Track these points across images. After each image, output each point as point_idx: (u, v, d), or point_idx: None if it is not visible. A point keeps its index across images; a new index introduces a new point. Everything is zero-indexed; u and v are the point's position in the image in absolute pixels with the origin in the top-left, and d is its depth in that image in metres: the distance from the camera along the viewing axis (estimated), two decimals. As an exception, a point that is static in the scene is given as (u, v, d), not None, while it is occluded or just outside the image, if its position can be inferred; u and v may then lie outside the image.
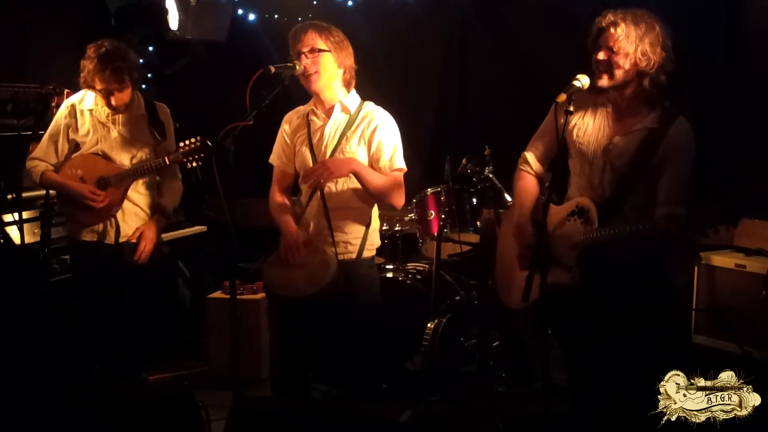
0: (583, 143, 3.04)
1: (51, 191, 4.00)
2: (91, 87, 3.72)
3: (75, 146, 3.83)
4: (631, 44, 2.87)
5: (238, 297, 3.22)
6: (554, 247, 2.98)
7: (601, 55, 2.92)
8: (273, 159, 3.52)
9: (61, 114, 3.83)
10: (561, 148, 2.99)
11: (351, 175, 3.31)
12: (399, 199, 3.39)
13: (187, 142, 3.63)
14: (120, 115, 3.80)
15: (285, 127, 3.49)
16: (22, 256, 4.06)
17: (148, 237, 3.83)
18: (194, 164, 3.65)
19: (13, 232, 4.14)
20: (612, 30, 2.89)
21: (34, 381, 3.80)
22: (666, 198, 2.89)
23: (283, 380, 3.48)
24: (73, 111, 3.81)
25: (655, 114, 2.95)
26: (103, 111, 3.79)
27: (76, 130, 3.80)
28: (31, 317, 3.96)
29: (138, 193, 3.85)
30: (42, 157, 3.82)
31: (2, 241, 4.09)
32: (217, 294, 5.01)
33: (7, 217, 4.16)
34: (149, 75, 5.75)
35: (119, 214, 3.80)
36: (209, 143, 3.53)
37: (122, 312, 3.81)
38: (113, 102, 3.71)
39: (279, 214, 3.42)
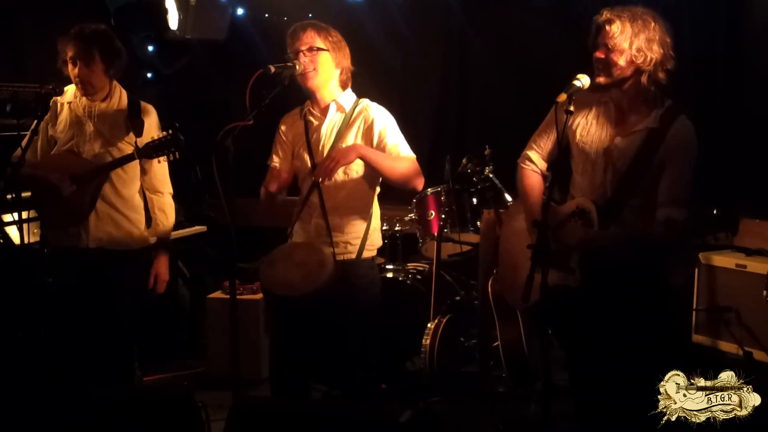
0: (585, 143, 3.03)
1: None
2: (63, 52, 3.63)
3: (55, 143, 3.74)
4: (625, 40, 2.87)
5: (237, 297, 3.22)
6: (556, 249, 2.98)
7: (599, 54, 2.92)
8: (271, 160, 3.52)
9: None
10: (561, 147, 2.99)
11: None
12: (417, 180, 3.34)
13: (157, 135, 3.56)
14: (97, 108, 3.70)
15: (282, 129, 3.50)
16: (22, 256, 4.05)
17: (162, 276, 3.84)
18: (162, 159, 3.55)
19: (12, 232, 4.13)
20: (608, 27, 2.89)
21: (34, 382, 3.79)
22: (666, 199, 2.88)
23: (282, 380, 3.48)
24: (53, 106, 3.74)
25: (657, 113, 2.94)
26: (81, 103, 3.70)
27: (55, 126, 3.73)
28: (31, 317, 3.95)
29: (119, 196, 3.71)
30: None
31: (2, 241, 4.07)
32: (217, 294, 5.01)
33: (7, 217, 4.15)
34: (149, 75, 5.75)
35: (92, 216, 3.66)
36: (181, 137, 3.47)
37: (104, 318, 3.70)
38: (76, 72, 3.60)
39: (265, 192, 3.46)
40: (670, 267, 3.09)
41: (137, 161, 3.69)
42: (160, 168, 3.80)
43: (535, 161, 3.20)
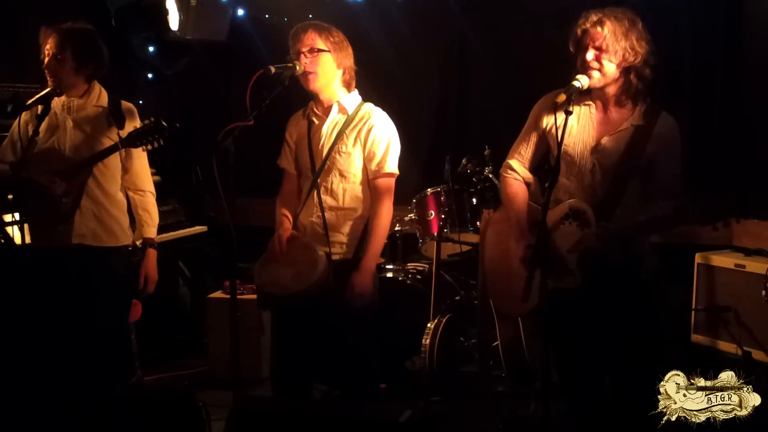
0: (568, 144, 3.03)
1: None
2: (42, 43, 3.62)
3: (35, 143, 3.67)
4: (618, 41, 2.90)
5: (238, 297, 3.22)
6: (552, 253, 2.98)
7: (589, 56, 2.93)
8: (280, 161, 3.55)
9: (22, 112, 3.73)
10: (559, 149, 3.00)
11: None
12: (390, 212, 3.40)
13: (140, 124, 3.54)
14: (75, 105, 3.67)
15: (288, 130, 3.53)
16: (22, 256, 4.05)
17: (151, 276, 3.81)
18: (149, 147, 3.53)
19: (13, 232, 4.13)
20: (599, 29, 2.92)
21: (35, 382, 3.79)
22: (659, 193, 2.93)
23: (283, 380, 3.49)
24: (33, 105, 3.64)
25: (639, 111, 2.99)
26: (60, 101, 3.67)
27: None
28: (32, 317, 3.95)
29: (103, 192, 3.68)
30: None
31: (2, 241, 4.07)
32: (217, 294, 5.02)
33: (8, 217, 4.15)
34: (150, 75, 5.75)
35: (76, 213, 3.61)
36: (164, 123, 3.46)
37: (89, 316, 3.66)
38: (45, 63, 3.60)
39: (277, 220, 3.46)
40: (644, 262, 3.10)
41: (118, 158, 3.69)
42: (142, 166, 3.80)
43: (516, 170, 3.22)
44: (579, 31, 2.97)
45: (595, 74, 2.94)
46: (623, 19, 2.93)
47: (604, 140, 2.99)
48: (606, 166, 2.98)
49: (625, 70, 2.95)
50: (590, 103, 3.04)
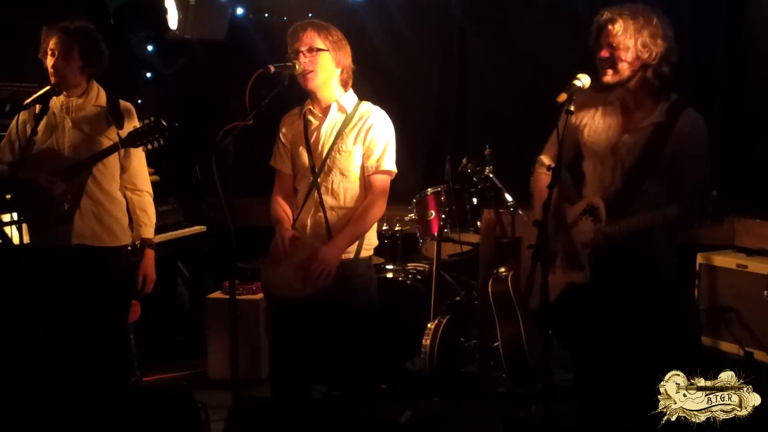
0: (594, 143, 3.05)
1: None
2: (45, 42, 3.61)
3: (33, 142, 3.65)
4: (630, 38, 2.89)
5: (237, 297, 3.22)
6: (569, 247, 3.00)
7: (603, 53, 2.93)
8: (273, 162, 3.52)
9: (20, 111, 3.71)
10: (560, 147, 2.99)
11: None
12: (381, 210, 3.37)
13: (140, 123, 3.53)
14: (74, 104, 3.66)
15: (282, 130, 3.50)
16: (21, 256, 4.04)
17: (149, 276, 3.79)
18: (149, 147, 3.52)
19: (11, 232, 4.12)
20: (610, 26, 2.92)
21: (35, 382, 3.79)
22: (684, 190, 2.87)
23: (283, 381, 3.48)
24: (32, 104, 3.62)
25: (662, 108, 2.96)
26: (58, 100, 3.66)
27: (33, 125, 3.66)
28: (31, 319, 3.94)
29: (102, 192, 3.67)
30: None
31: (1, 241, 4.06)
32: (217, 294, 5.01)
33: (6, 218, 4.14)
34: (148, 74, 5.75)
35: (76, 213, 3.60)
36: (163, 123, 3.46)
37: (89, 319, 3.64)
38: (49, 63, 3.59)
39: (276, 218, 3.44)
40: (662, 262, 3.08)
41: (117, 158, 3.68)
42: (140, 166, 3.79)
43: (545, 164, 3.23)
44: (595, 29, 2.97)
45: (609, 72, 2.94)
46: (637, 15, 2.91)
47: (625, 137, 2.99)
48: (625, 163, 2.98)
49: (643, 67, 2.93)
50: (614, 100, 3.04)
